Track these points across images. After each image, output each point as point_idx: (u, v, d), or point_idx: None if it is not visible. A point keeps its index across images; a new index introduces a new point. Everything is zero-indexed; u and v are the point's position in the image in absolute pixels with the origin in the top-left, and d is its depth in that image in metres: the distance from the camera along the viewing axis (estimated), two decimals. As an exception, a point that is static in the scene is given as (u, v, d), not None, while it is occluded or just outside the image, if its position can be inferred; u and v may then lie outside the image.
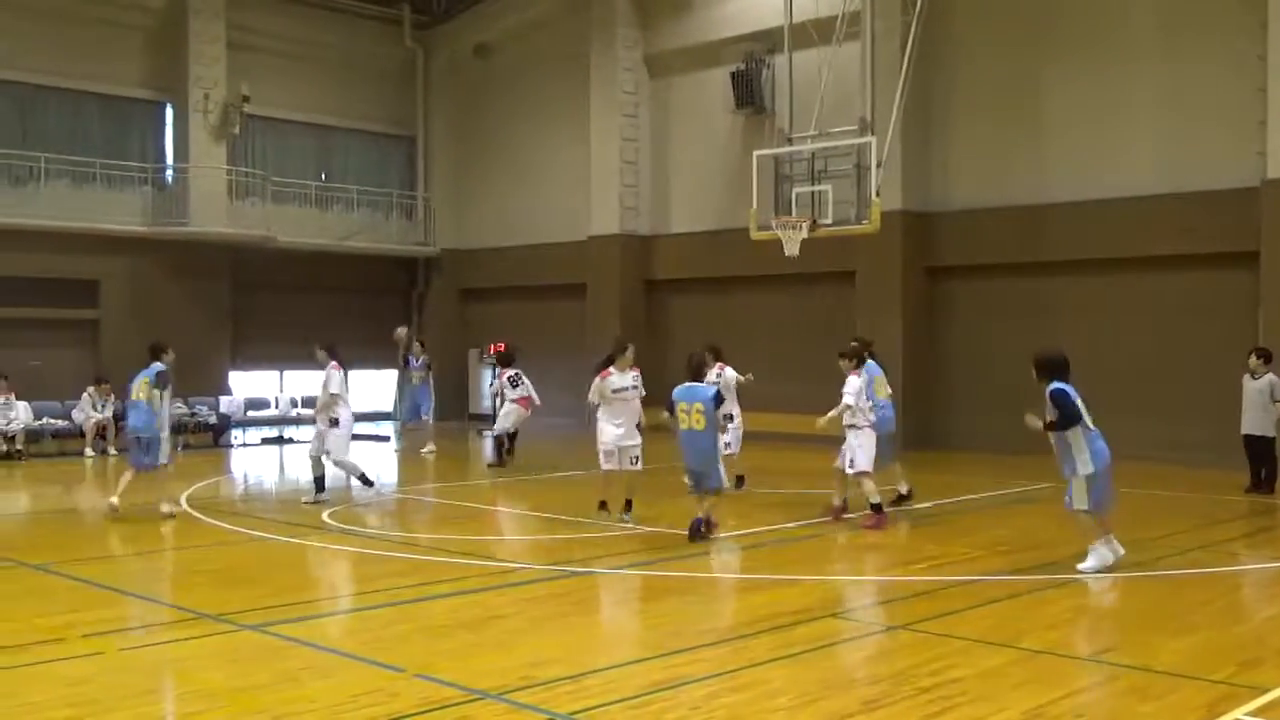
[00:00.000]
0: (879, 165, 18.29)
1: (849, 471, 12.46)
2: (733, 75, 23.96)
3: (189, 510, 13.86)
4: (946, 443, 20.92)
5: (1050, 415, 9.73)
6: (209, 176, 25.99)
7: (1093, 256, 19.86)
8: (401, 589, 9.28)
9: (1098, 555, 9.84)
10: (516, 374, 18.93)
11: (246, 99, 25.89)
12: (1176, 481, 16.08)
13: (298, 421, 27.56)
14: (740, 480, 15.18)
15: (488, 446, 15.97)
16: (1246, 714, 6.05)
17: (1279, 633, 8.14)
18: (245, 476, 19.16)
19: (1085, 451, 9.67)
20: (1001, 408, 20.00)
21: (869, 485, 12.39)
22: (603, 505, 12.69)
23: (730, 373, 14.91)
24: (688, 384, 11.51)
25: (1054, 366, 9.92)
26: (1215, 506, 14.08)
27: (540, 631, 7.89)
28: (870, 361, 13.01)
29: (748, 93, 23.78)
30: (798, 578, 10.11)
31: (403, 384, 22.17)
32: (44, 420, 21.40)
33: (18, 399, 20.77)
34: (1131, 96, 19.58)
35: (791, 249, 18.74)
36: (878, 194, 18.32)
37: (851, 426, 12.39)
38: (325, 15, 28.47)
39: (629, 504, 12.55)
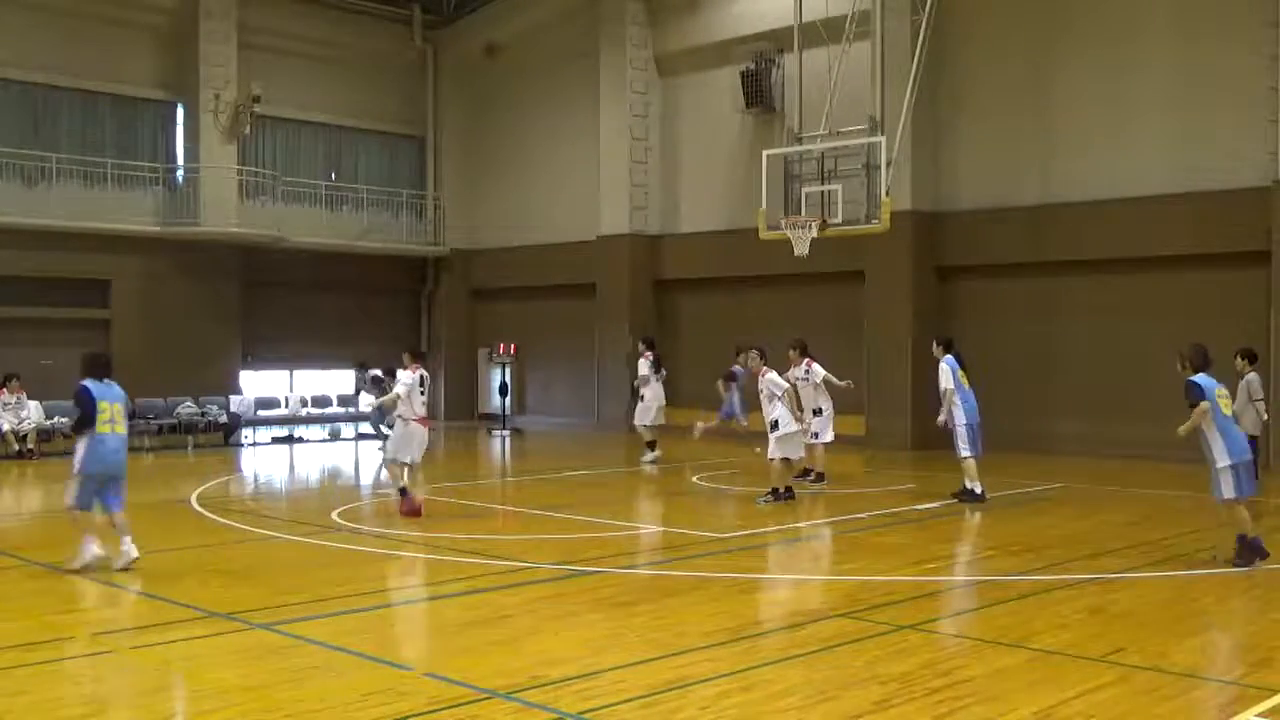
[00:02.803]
0: (889, 165, 18.25)
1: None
2: (742, 75, 23.96)
3: (199, 509, 13.91)
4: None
5: None
6: (220, 176, 26.05)
7: (1103, 256, 19.82)
8: (411, 588, 9.28)
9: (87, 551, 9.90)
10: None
11: (257, 99, 25.94)
12: (1187, 482, 15.98)
13: (307, 421, 27.63)
14: (820, 476, 15.77)
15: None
16: (1258, 715, 6.03)
17: (1291, 633, 8.10)
18: (255, 476, 19.20)
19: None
20: (1011, 408, 20.05)
21: (398, 474, 13.24)
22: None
23: (818, 369, 15.56)
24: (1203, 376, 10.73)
25: None
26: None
27: (549, 631, 7.89)
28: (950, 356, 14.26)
29: (757, 92, 23.79)
30: (808, 578, 10.10)
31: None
32: (55, 419, 21.44)
33: (29, 398, 20.87)
34: (1142, 96, 19.54)
35: (801, 249, 18.71)
36: (888, 193, 18.28)
37: (400, 418, 13.21)
38: (335, 15, 28.52)
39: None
